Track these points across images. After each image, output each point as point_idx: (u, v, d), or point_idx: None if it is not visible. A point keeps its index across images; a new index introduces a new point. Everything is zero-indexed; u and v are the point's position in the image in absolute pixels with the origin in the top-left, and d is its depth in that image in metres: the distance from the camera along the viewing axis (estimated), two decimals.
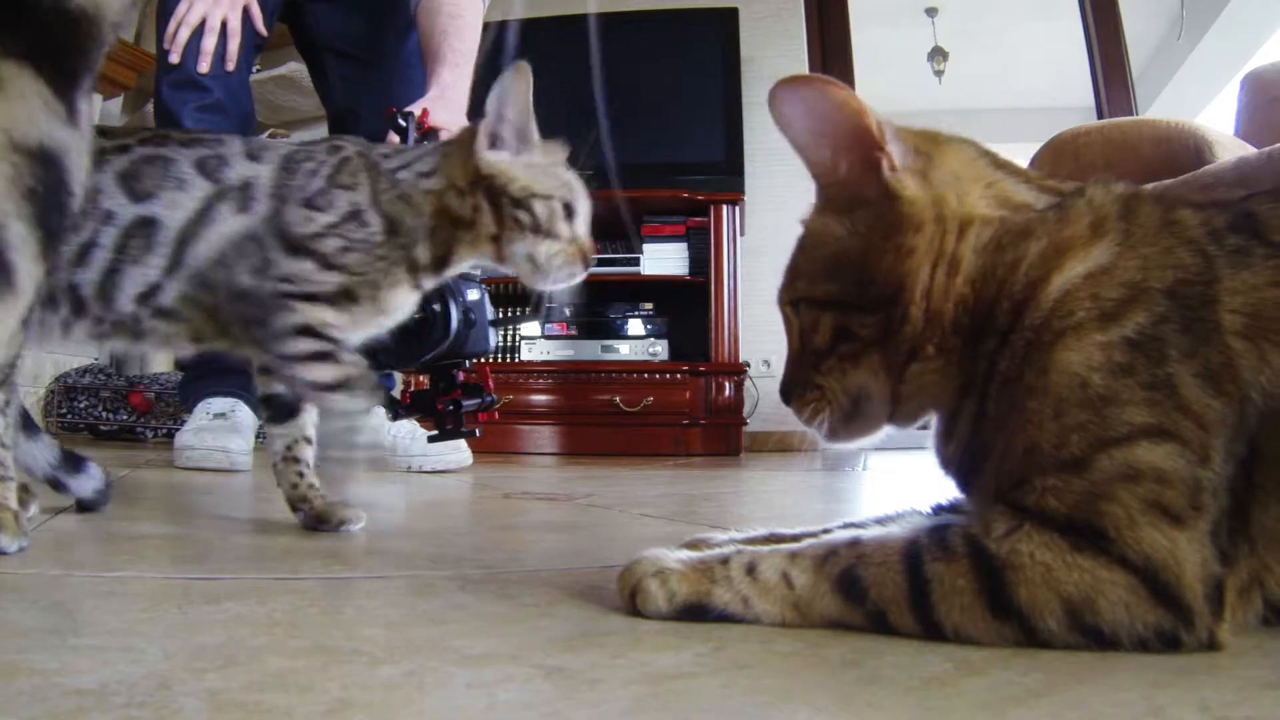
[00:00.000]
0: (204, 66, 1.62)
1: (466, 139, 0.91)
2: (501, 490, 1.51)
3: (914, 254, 0.53)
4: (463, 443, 1.75)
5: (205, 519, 1.02)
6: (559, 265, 0.90)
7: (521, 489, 1.56)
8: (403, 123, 1.49)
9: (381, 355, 1.49)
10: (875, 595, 0.49)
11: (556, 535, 0.99)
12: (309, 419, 0.95)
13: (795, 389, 0.59)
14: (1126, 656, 0.46)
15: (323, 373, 0.84)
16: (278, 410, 0.95)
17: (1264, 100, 2.05)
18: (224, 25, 1.63)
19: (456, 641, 0.49)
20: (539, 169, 0.89)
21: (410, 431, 1.76)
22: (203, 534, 0.92)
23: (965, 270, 0.53)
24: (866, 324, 0.55)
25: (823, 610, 0.50)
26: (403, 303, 0.93)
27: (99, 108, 3.42)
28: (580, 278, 0.93)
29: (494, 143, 0.89)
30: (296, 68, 3.24)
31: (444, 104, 1.60)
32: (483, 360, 1.62)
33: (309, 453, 0.93)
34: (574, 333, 3.14)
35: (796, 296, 0.59)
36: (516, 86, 0.88)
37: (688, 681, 0.42)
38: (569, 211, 0.90)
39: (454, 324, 1.53)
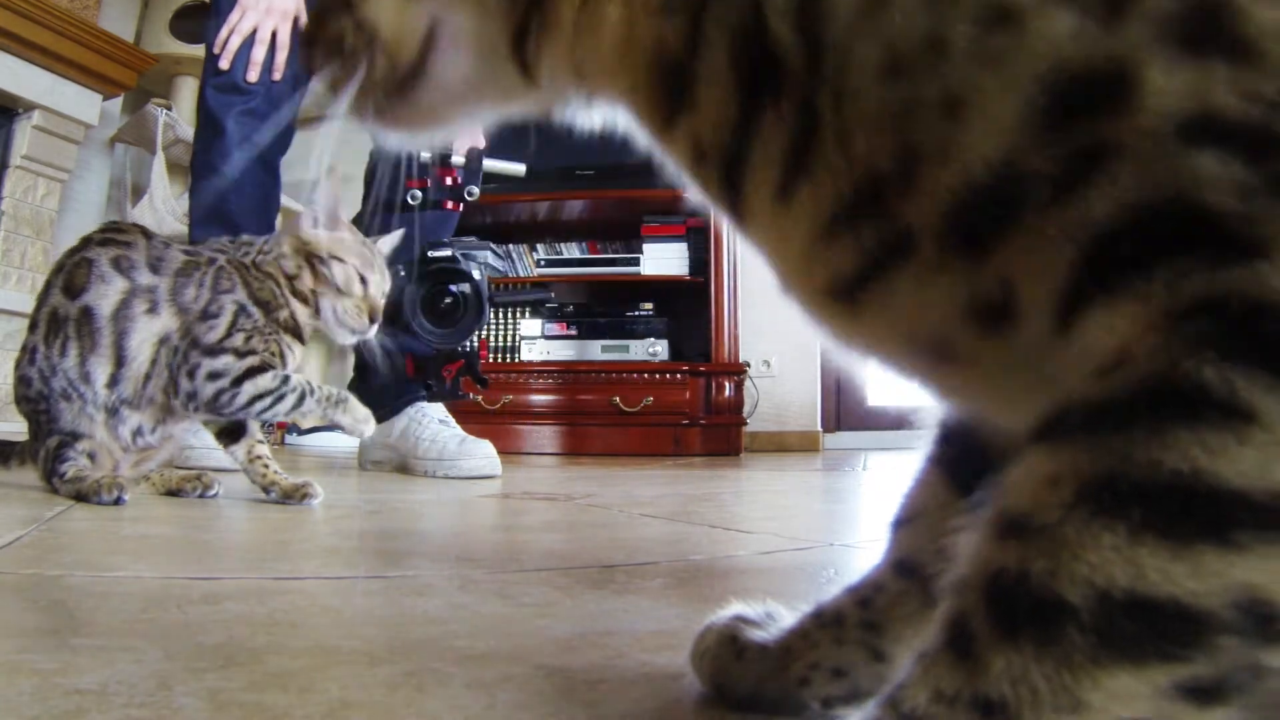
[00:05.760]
0: (252, 75, 1.70)
1: (295, 221, 1.21)
2: (501, 490, 1.51)
3: None
4: (491, 449, 1.75)
5: (205, 519, 1.02)
6: (353, 318, 1.20)
7: (521, 489, 1.56)
8: (411, 201, 1.71)
9: (427, 342, 1.66)
10: None
11: (556, 535, 0.99)
12: (254, 429, 1.21)
13: None
14: None
15: (281, 408, 1.14)
16: (232, 432, 1.20)
17: None
18: (274, 36, 1.71)
19: (456, 641, 0.49)
20: (341, 242, 1.20)
21: (450, 437, 1.75)
22: (203, 534, 0.92)
23: None
24: None
25: None
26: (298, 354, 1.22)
27: (99, 108, 3.39)
28: (370, 331, 1.21)
29: (313, 224, 1.20)
30: None
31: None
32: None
33: (263, 450, 1.20)
34: (574, 332, 3.14)
35: None
36: (331, 186, 1.21)
37: (689, 682, 0.42)
38: (362, 279, 1.20)
39: (485, 300, 1.67)
